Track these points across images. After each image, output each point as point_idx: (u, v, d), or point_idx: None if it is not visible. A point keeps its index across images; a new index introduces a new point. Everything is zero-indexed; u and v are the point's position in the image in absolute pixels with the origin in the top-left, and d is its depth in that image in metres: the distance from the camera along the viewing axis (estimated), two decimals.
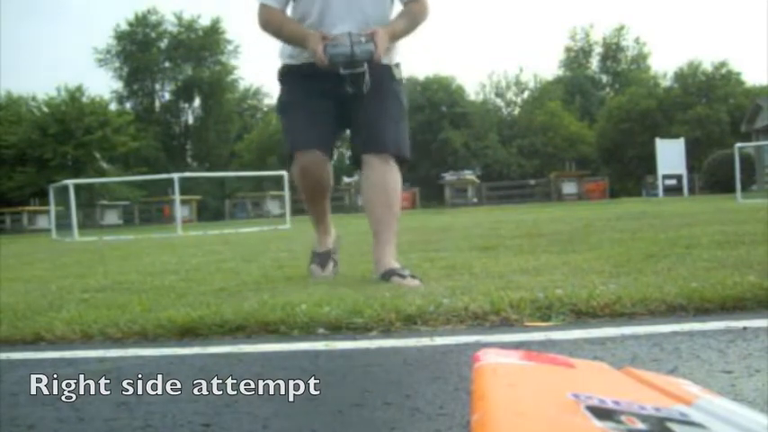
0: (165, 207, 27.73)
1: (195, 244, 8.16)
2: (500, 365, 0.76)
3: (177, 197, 13.30)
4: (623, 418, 0.60)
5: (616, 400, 0.65)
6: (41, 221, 26.03)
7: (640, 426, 0.59)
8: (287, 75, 3.52)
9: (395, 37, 3.33)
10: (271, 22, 3.41)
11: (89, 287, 3.65)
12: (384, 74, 3.35)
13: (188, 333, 2.26)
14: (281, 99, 3.58)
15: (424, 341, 1.98)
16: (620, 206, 14.63)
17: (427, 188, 31.50)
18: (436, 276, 3.18)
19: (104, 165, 39.25)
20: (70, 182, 12.91)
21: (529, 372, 0.76)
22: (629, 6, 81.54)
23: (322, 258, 3.68)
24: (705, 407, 0.65)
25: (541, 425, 0.58)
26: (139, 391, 1.56)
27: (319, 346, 1.99)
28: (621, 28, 52.18)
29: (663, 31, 79.19)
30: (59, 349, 2.18)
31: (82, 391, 1.59)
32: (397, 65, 3.54)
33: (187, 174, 21.45)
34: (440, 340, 1.98)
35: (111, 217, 29.15)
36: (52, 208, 14.80)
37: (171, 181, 13.75)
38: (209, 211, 32.28)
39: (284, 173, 13.47)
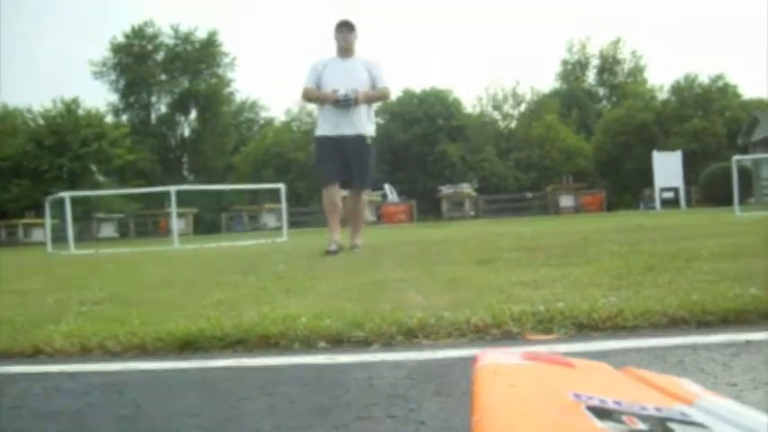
0: (162, 220, 27.63)
1: (192, 257, 8.13)
2: (501, 366, 0.76)
3: (174, 210, 13.21)
4: (624, 418, 0.60)
5: (617, 400, 0.65)
6: (37, 234, 25.90)
7: (641, 426, 0.59)
8: (319, 140, 6.73)
9: (368, 97, 6.65)
10: (308, 92, 6.75)
11: (86, 300, 3.62)
12: (362, 140, 6.62)
13: (188, 346, 2.24)
14: (316, 154, 6.90)
15: (426, 354, 1.97)
16: (618, 219, 14.62)
17: (424, 201, 31.44)
18: (437, 290, 3.16)
19: (100, 177, 39.17)
20: (66, 194, 12.83)
21: (530, 372, 0.76)
22: (626, 19, 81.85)
23: (333, 243, 6.51)
24: (706, 406, 0.65)
25: (542, 425, 0.58)
26: (141, 405, 1.55)
27: (321, 359, 1.98)
28: (618, 41, 52.35)
29: (659, 44, 79.38)
30: (59, 362, 2.17)
31: (84, 405, 1.57)
32: (371, 137, 6.74)
33: (184, 186, 21.35)
34: (442, 353, 1.97)
35: (107, 230, 28.99)
36: (48, 220, 14.73)
37: (167, 194, 13.69)
38: (204, 225, 32.12)
39: (281, 185, 13.43)
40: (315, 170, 7.25)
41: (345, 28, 6.73)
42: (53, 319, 2.84)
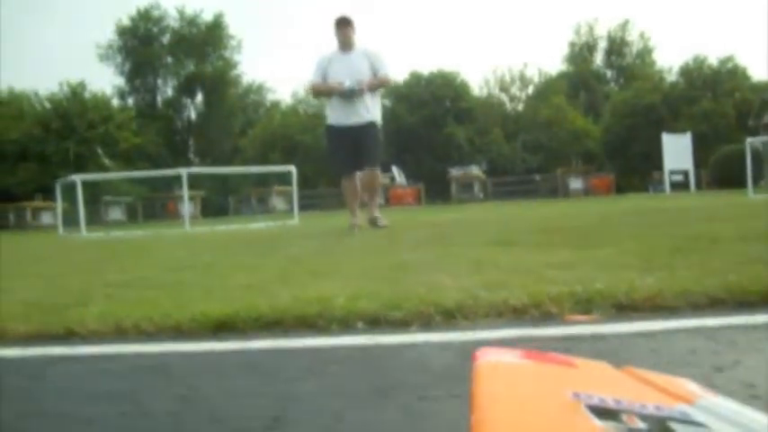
0: (170, 203, 27.64)
1: (205, 239, 8.13)
2: (500, 364, 0.76)
3: (185, 192, 13.15)
4: (624, 417, 0.60)
5: (617, 399, 0.64)
6: (45, 217, 25.98)
7: (641, 425, 0.59)
8: (329, 129, 7.58)
9: (371, 85, 7.33)
10: (315, 86, 7.67)
11: (110, 283, 3.61)
12: (370, 126, 7.37)
13: (223, 328, 2.23)
14: (327, 143, 7.73)
15: (468, 335, 1.96)
16: (628, 202, 14.60)
17: (432, 184, 31.39)
18: (464, 271, 3.13)
19: (106, 161, 39.24)
20: (78, 177, 12.83)
21: (529, 370, 0.76)
22: (634, 0, 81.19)
23: (353, 225, 7.50)
24: (707, 406, 0.65)
25: (542, 424, 0.58)
26: (194, 386, 1.53)
27: (361, 340, 1.97)
28: (626, 22, 52.02)
29: (668, 25, 78.89)
30: (95, 344, 2.16)
31: (135, 386, 1.56)
32: (378, 123, 7.47)
33: (194, 169, 21.29)
34: (483, 334, 1.95)
35: (115, 213, 29.03)
36: (59, 204, 14.73)
37: (175, 177, 13.67)
38: (212, 208, 32.14)
39: (292, 167, 13.38)
40: (327, 158, 8.06)
41: (343, 24, 7.49)
42: (81, 302, 2.83)
